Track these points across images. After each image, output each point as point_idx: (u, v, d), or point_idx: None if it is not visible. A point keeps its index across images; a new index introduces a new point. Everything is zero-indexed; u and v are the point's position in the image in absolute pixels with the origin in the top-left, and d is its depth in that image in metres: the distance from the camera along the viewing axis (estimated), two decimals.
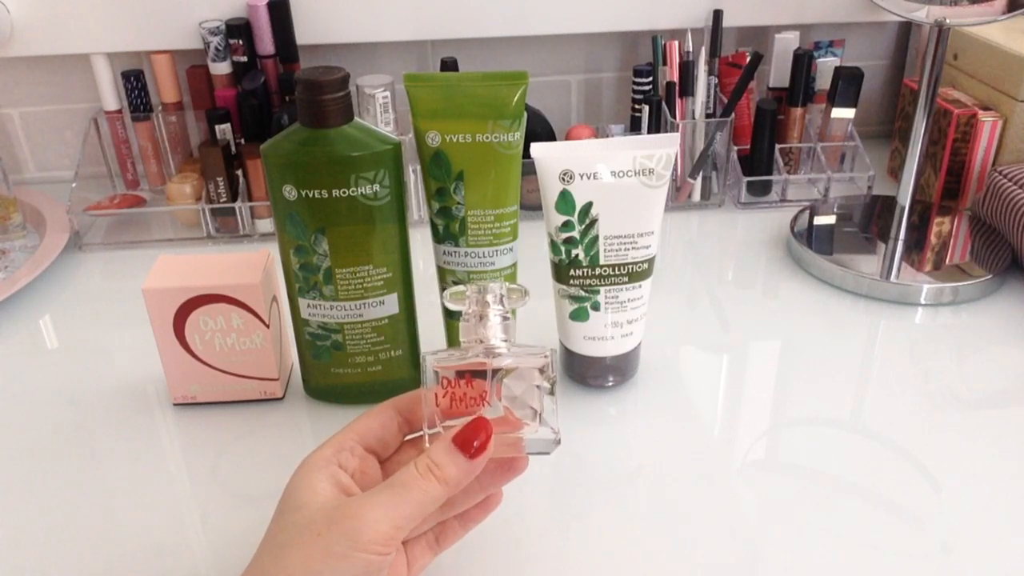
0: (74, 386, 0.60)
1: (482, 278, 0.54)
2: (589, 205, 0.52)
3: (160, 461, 0.54)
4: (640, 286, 0.55)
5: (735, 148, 0.85)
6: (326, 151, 0.49)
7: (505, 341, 0.41)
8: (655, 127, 0.84)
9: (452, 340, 0.57)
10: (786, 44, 0.85)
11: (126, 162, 0.88)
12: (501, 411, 0.40)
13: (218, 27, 0.81)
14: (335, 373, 0.56)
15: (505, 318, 0.42)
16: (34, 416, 0.58)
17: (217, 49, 0.82)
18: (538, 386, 0.40)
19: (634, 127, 0.86)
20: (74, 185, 0.81)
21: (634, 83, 0.85)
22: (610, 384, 0.59)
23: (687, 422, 0.56)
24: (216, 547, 0.47)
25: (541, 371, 0.40)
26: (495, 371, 0.40)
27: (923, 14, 0.67)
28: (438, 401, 0.40)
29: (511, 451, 0.40)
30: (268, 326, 0.55)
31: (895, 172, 0.90)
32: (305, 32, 0.85)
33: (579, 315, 0.56)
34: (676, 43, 0.82)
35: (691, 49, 0.81)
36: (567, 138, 0.86)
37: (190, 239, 0.80)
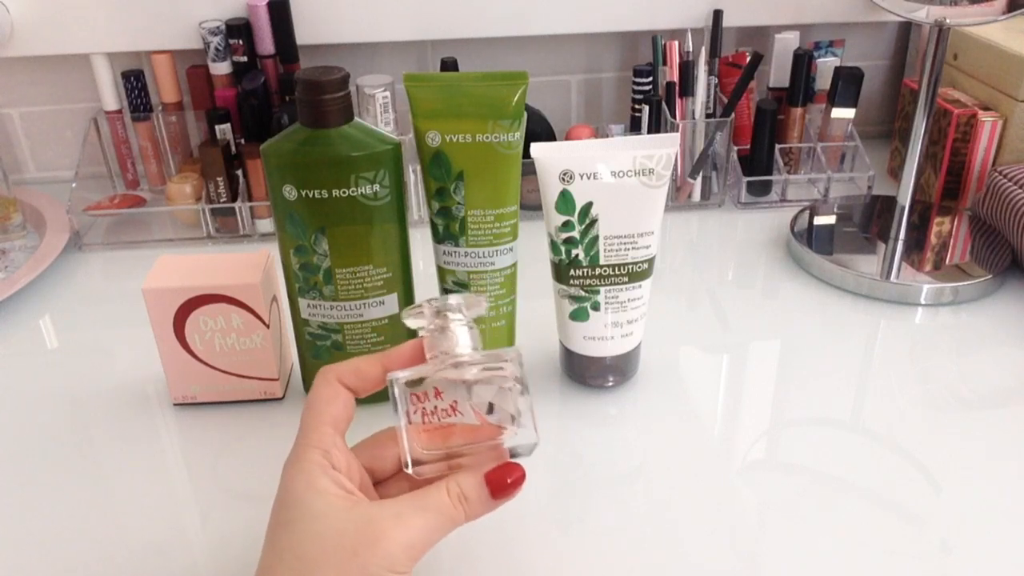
0: (74, 386, 0.60)
1: (482, 278, 0.54)
2: (589, 205, 0.52)
3: (160, 461, 0.54)
4: (640, 286, 0.55)
5: (735, 148, 0.85)
6: (326, 151, 0.49)
7: (471, 350, 0.40)
8: (655, 127, 0.84)
9: None
10: (786, 44, 0.85)
11: (126, 162, 0.88)
12: (474, 419, 0.40)
13: (218, 27, 0.81)
14: None
15: (468, 327, 0.41)
16: (34, 416, 0.58)
17: (217, 49, 0.82)
18: (509, 389, 0.40)
19: (634, 127, 0.86)
20: (74, 185, 0.81)
21: (634, 83, 0.85)
22: (610, 384, 0.59)
23: (687, 422, 0.56)
24: (216, 547, 0.47)
25: (511, 374, 0.40)
26: (463, 380, 0.39)
27: (923, 14, 0.67)
28: (410, 419, 0.39)
29: (494, 458, 0.40)
30: (268, 326, 0.55)
31: (895, 172, 0.90)
32: (305, 32, 0.85)
33: (579, 315, 0.56)
34: (676, 43, 0.82)
35: (691, 49, 0.81)
36: (567, 138, 0.86)
37: (190, 239, 0.80)
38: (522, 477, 0.39)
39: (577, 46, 0.92)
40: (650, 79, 0.85)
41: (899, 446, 0.54)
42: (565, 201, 0.52)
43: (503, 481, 0.39)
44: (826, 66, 0.86)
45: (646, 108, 0.83)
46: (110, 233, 0.81)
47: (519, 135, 0.51)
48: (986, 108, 0.79)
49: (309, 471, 0.38)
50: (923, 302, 0.68)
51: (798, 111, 0.86)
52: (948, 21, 0.66)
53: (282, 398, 0.58)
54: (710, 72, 0.82)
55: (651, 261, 0.55)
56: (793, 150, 0.87)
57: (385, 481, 0.43)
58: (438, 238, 0.54)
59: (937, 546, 0.46)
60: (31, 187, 0.88)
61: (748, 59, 0.81)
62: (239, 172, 0.79)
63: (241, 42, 0.82)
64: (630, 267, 0.54)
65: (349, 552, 0.35)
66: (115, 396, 0.59)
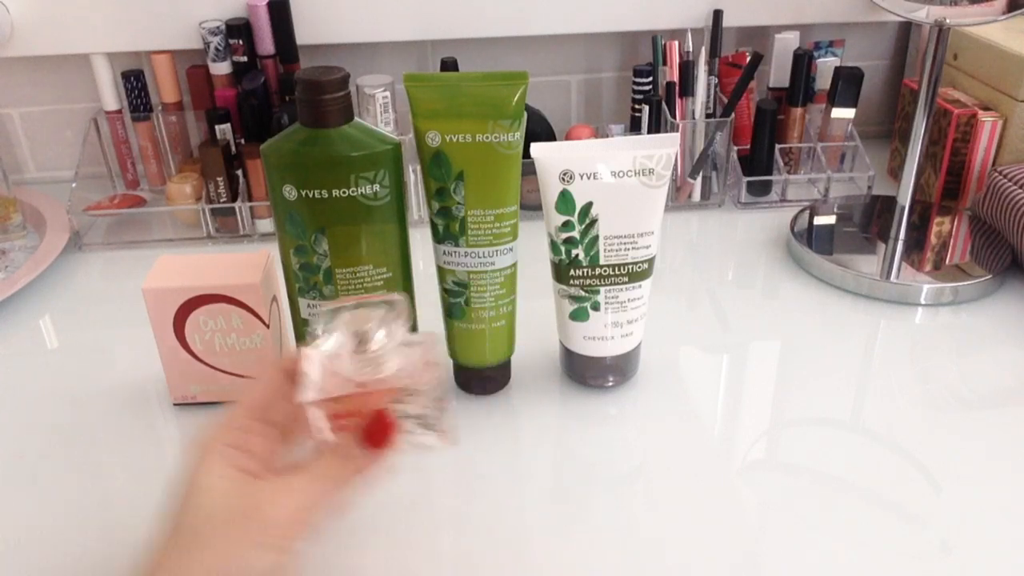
0: (74, 386, 0.60)
1: (482, 278, 0.54)
2: (589, 205, 0.52)
3: (160, 461, 0.54)
4: (640, 286, 0.55)
5: (735, 148, 0.85)
6: (326, 151, 0.49)
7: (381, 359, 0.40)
8: (655, 127, 0.84)
9: (452, 339, 0.57)
10: (786, 44, 0.85)
11: (126, 162, 0.88)
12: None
13: (218, 27, 0.81)
14: None
15: (383, 335, 0.41)
16: (34, 416, 0.58)
17: (217, 49, 0.82)
18: (414, 395, 0.40)
19: (634, 127, 0.86)
20: (74, 185, 0.81)
21: (634, 83, 0.85)
22: (610, 384, 0.59)
23: (687, 422, 0.56)
24: None
25: (422, 383, 0.40)
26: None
27: (923, 14, 0.67)
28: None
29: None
30: (268, 326, 0.55)
31: (895, 172, 0.90)
32: (305, 32, 0.85)
33: (579, 315, 0.56)
34: (676, 43, 0.82)
35: (691, 49, 0.81)
36: (567, 138, 0.86)
37: (190, 239, 0.80)
38: (393, 428, 0.39)
39: (577, 46, 0.92)
40: (650, 79, 0.85)
41: (899, 446, 0.54)
42: (565, 201, 0.52)
43: (376, 433, 0.39)
44: (826, 66, 0.86)
45: (646, 108, 0.83)
46: (110, 233, 0.81)
47: (519, 135, 0.51)
48: (986, 108, 0.79)
49: (209, 448, 0.38)
50: (923, 302, 0.68)
51: (798, 111, 0.86)
52: (948, 21, 0.66)
53: None
54: (710, 72, 0.82)
55: (651, 261, 0.55)
56: (793, 150, 0.87)
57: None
58: (438, 238, 0.54)
59: (937, 546, 0.46)
60: (31, 187, 0.88)
61: (748, 59, 0.81)
62: (239, 172, 0.79)
63: (241, 42, 0.82)
64: (630, 267, 0.54)
65: (224, 523, 0.36)
66: (115, 396, 0.59)
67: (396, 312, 0.41)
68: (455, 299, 0.55)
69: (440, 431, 0.41)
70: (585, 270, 0.54)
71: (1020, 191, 0.71)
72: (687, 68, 0.81)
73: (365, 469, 0.39)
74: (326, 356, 0.40)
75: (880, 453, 0.53)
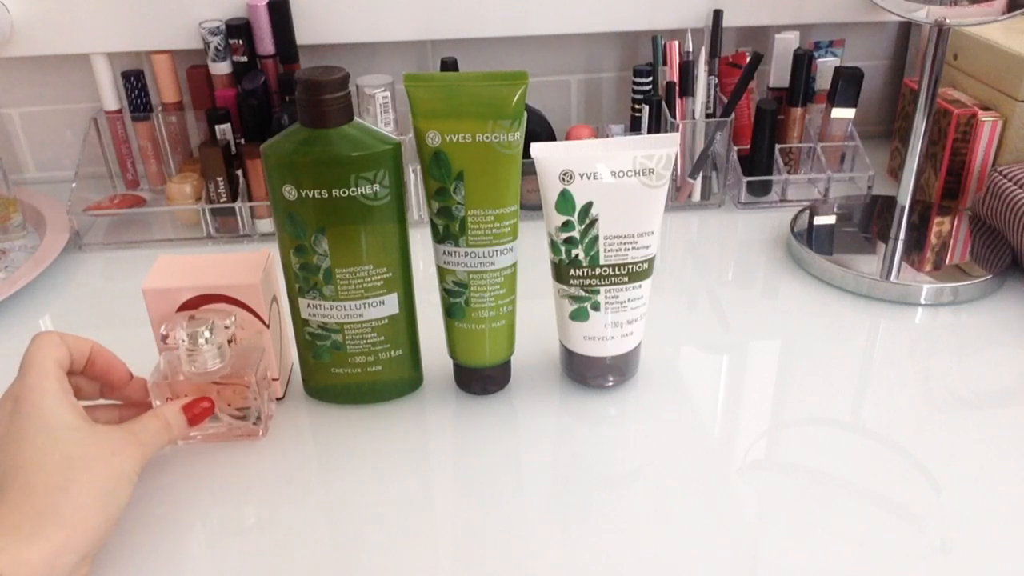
0: None
1: (482, 278, 0.54)
2: (589, 205, 0.52)
3: (159, 461, 0.53)
4: (640, 286, 0.55)
5: (735, 148, 0.85)
6: (326, 151, 0.49)
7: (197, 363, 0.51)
8: (655, 127, 0.84)
9: (452, 339, 0.57)
10: (786, 44, 0.85)
11: (126, 162, 0.88)
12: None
13: (218, 27, 0.81)
14: (335, 373, 0.56)
15: (204, 344, 0.51)
16: None
17: (217, 49, 0.82)
18: (236, 391, 0.52)
19: (634, 127, 0.86)
20: (74, 185, 0.81)
21: (634, 83, 0.85)
22: (610, 384, 0.59)
23: (687, 422, 0.56)
24: (214, 546, 0.47)
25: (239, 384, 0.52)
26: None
27: (923, 14, 0.67)
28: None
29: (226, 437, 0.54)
30: (268, 326, 0.55)
31: (895, 172, 0.90)
32: (305, 32, 0.85)
33: (579, 315, 0.56)
34: (676, 43, 0.82)
35: (691, 49, 0.81)
36: (567, 138, 0.86)
37: (190, 239, 0.80)
38: (207, 410, 0.51)
39: (577, 46, 0.92)
40: (650, 79, 0.85)
41: (899, 446, 0.54)
42: (565, 201, 0.53)
43: (194, 409, 0.50)
44: (826, 66, 0.86)
45: (646, 108, 0.83)
46: (110, 233, 0.81)
47: (519, 135, 0.51)
48: (986, 108, 0.79)
49: (55, 394, 0.45)
50: (923, 302, 0.68)
51: (798, 111, 0.86)
52: (948, 21, 0.66)
53: (282, 398, 0.58)
54: (710, 72, 0.83)
55: (651, 261, 0.55)
56: (793, 150, 0.87)
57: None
58: (438, 238, 0.54)
59: (937, 546, 0.46)
60: (31, 187, 0.88)
61: (748, 59, 0.81)
62: (239, 172, 0.79)
63: (241, 42, 0.82)
64: (630, 267, 0.54)
65: (78, 469, 0.42)
66: None
67: (223, 321, 0.51)
68: (455, 299, 0.55)
69: (251, 428, 0.54)
70: (585, 270, 0.54)
71: (1020, 191, 0.71)
72: (687, 68, 0.81)
73: (176, 436, 0.49)
74: (171, 352, 0.52)
75: (880, 453, 0.53)
